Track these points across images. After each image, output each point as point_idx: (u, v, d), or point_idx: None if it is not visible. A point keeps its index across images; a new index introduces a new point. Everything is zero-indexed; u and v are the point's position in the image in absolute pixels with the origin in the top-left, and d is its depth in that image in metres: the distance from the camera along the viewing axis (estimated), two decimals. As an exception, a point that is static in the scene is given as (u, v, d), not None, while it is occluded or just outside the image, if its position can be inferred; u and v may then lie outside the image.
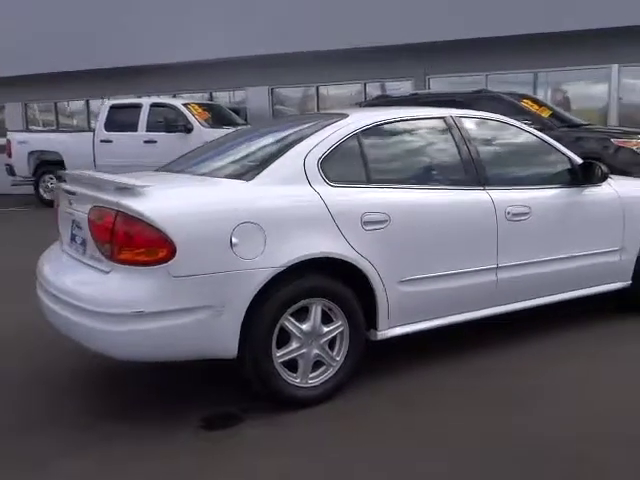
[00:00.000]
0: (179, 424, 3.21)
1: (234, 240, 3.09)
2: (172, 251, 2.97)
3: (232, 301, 3.09)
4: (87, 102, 17.05)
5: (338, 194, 3.44)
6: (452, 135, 3.97)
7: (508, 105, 9.23)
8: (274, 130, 4.26)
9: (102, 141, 12.57)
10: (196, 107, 12.49)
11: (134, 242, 3.00)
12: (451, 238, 3.77)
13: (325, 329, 3.38)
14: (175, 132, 11.98)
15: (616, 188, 4.51)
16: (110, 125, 12.61)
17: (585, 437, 2.99)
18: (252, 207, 3.22)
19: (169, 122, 12.03)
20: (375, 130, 3.77)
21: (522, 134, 4.37)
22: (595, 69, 12.45)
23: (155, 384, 3.77)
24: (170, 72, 15.16)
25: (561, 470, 2.72)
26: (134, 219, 2.98)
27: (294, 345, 3.30)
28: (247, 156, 3.92)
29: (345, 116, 3.81)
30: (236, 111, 14.34)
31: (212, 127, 12.08)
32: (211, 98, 15.55)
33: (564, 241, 4.22)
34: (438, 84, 13.51)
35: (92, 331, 3.05)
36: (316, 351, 3.36)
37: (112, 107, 12.74)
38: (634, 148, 8.67)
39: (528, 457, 2.83)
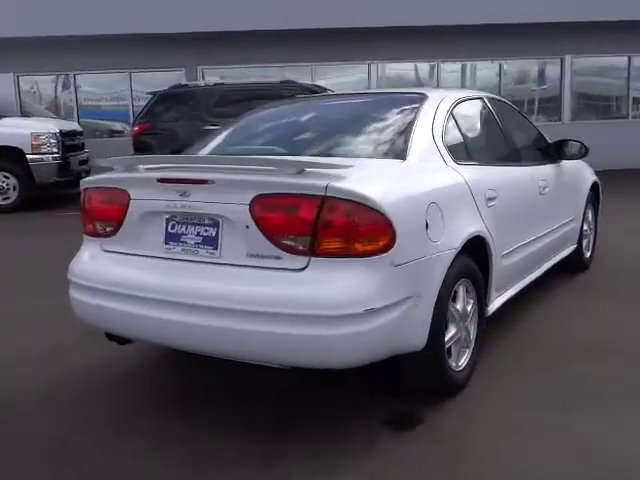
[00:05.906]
0: (351, 430, 2.89)
1: (428, 222, 2.85)
2: (393, 238, 2.63)
3: (428, 288, 2.85)
4: None
5: (468, 172, 3.35)
6: (495, 115, 4.13)
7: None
8: (352, 106, 3.99)
9: None
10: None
11: (354, 231, 2.56)
12: (526, 211, 3.97)
13: (468, 309, 3.30)
14: None
15: (566, 163, 5.11)
16: None
17: None
18: (432, 186, 2.99)
19: None
20: (458, 108, 3.72)
21: (521, 117, 4.74)
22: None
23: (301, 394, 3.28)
24: None
25: None
26: (354, 204, 2.56)
27: (453, 331, 3.14)
28: (361, 135, 3.47)
29: (424, 94, 3.69)
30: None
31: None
32: None
33: (560, 211, 4.71)
34: (212, 75, 13.29)
35: (308, 340, 2.52)
36: (464, 334, 3.26)
37: None
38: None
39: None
